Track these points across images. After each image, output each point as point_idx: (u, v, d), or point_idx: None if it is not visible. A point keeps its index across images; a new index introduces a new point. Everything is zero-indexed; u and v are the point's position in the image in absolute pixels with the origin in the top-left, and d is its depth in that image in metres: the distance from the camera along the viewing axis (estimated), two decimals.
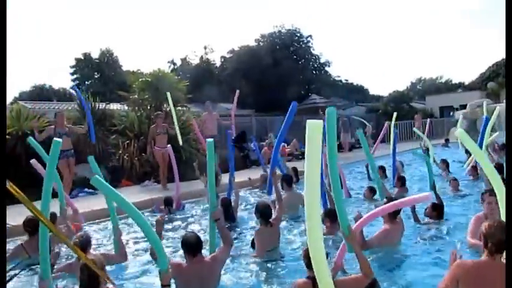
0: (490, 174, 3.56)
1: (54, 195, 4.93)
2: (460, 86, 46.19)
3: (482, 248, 2.89)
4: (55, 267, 4.08)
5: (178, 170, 8.97)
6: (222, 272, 4.02)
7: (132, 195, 8.52)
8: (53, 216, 5.34)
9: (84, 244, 4.21)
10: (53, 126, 8.39)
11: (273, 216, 4.87)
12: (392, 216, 4.63)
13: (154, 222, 4.00)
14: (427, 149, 10.67)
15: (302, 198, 6.34)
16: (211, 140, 4.33)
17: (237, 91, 10.80)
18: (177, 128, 9.33)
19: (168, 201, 7.67)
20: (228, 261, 4.26)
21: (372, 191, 7.48)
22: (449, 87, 47.71)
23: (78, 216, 6.59)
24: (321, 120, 2.39)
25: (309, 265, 2.89)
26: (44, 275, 3.50)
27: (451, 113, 26.48)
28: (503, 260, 2.76)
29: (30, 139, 5.92)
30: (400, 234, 4.81)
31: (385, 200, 4.82)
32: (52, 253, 3.89)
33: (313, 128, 2.31)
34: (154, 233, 3.11)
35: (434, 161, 9.92)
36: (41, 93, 37.20)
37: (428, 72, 77.55)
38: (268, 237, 4.77)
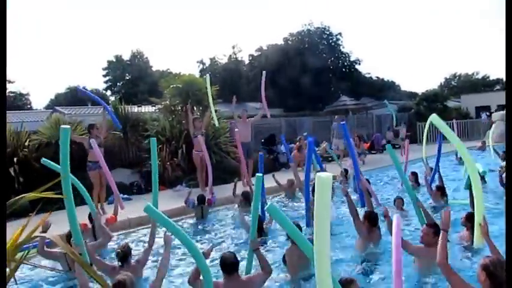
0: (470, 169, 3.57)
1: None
2: (498, 82, 44.50)
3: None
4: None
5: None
6: None
7: (165, 200, 8.72)
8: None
9: (126, 255, 4.46)
10: (86, 137, 8.64)
11: None
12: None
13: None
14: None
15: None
16: (260, 175, 4.40)
17: (264, 72, 10.40)
18: (213, 110, 9.39)
19: (200, 200, 7.90)
20: None
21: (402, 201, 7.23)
22: (486, 84, 46.07)
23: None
24: (331, 174, 2.31)
25: None
26: (77, 241, 3.91)
27: (482, 114, 25.49)
28: None
29: (44, 160, 5.68)
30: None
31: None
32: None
33: (323, 182, 2.13)
34: (205, 262, 3.21)
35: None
36: (75, 95, 38.50)
37: (463, 67, 75.19)
38: (298, 258, 4.54)
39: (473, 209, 5.63)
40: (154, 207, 3.01)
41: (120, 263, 4.45)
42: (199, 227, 7.50)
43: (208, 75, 9.78)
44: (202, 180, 10.15)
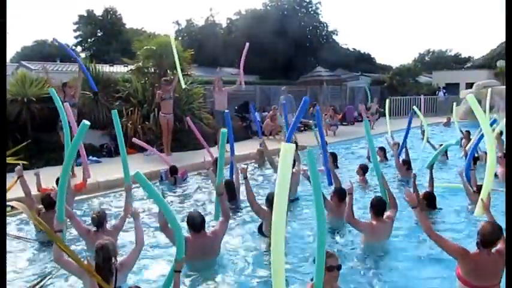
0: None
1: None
2: (469, 60, 45.48)
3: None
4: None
5: (180, 139, 9.15)
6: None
7: (138, 165, 8.67)
8: None
9: (101, 220, 4.49)
10: (61, 97, 8.37)
11: None
12: (377, 213, 4.65)
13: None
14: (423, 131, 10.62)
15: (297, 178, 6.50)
16: (224, 130, 4.77)
17: (247, 44, 10.09)
18: (179, 70, 9.08)
19: (173, 171, 7.89)
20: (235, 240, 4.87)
21: (362, 169, 7.48)
22: (457, 61, 47.02)
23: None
24: (294, 145, 2.39)
25: None
26: (60, 217, 3.85)
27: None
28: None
29: (52, 90, 5.64)
30: (385, 234, 4.74)
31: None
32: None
33: (286, 150, 2.27)
34: (180, 227, 3.26)
35: (428, 141, 9.76)
36: (43, 50, 36.87)
37: (437, 44, 76.27)
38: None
39: (432, 188, 5.95)
40: (143, 176, 3.00)
41: (95, 228, 4.48)
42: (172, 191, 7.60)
43: (172, 35, 9.58)
44: (167, 144, 10.09)
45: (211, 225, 4.86)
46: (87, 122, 3.67)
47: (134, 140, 8.71)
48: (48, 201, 4.98)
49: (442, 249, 3.53)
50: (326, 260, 2.77)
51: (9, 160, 2.10)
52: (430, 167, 6.19)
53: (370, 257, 4.53)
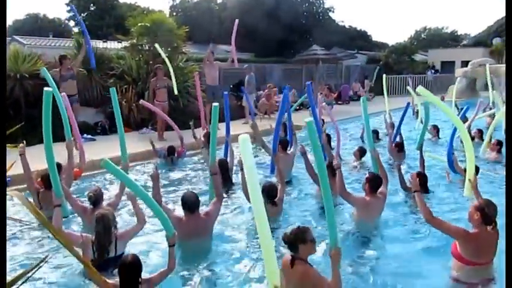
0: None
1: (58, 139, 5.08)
2: (466, 37, 45.24)
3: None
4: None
5: (176, 118, 9.05)
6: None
7: (132, 143, 8.69)
8: (59, 166, 5.44)
9: (98, 199, 4.58)
10: (58, 69, 8.29)
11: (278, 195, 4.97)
12: (373, 188, 4.63)
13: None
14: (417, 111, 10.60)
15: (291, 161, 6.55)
16: (216, 104, 4.65)
17: (236, 20, 9.92)
18: (173, 77, 9.18)
19: (171, 151, 7.95)
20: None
21: (360, 151, 7.47)
22: (453, 38, 46.74)
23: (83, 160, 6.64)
24: (248, 135, 2.54)
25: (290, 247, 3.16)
26: (57, 193, 4.01)
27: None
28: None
29: (44, 70, 5.63)
30: (377, 210, 4.76)
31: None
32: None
33: (244, 141, 2.46)
34: (160, 210, 3.32)
35: (422, 121, 9.75)
36: (35, 23, 36.19)
37: (434, 21, 75.38)
38: (271, 216, 4.60)
39: (423, 169, 5.97)
40: (112, 163, 3.06)
41: (92, 206, 4.54)
42: (168, 169, 7.66)
43: (157, 44, 9.53)
44: (162, 130, 10.00)
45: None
46: (49, 89, 3.68)
47: (142, 101, 8.82)
48: (47, 179, 5.00)
49: (443, 233, 3.57)
50: (305, 235, 3.05)
51: (9, 147, 2.12)
52: (420, 147, 6.19)
53: (363, 235, 4.60)
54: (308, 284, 2.98)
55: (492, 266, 3.50)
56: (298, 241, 3.06)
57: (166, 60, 9.41)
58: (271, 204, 4.79)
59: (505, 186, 3.72)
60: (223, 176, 5.87)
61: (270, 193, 4.86)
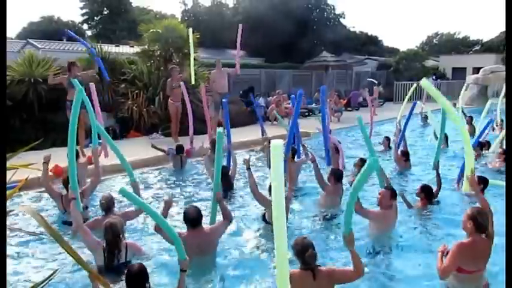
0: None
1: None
2: (478, 43, 44.78)
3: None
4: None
5: (183, 123, 9.24)
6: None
7: (144, 148, 8.82)
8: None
9: (110, 206, 4.65)
10: (66, 76, 8.43)
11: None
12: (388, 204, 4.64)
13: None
14: (426, 116, 10.46)
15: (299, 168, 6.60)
16: (220, 129, 4.51)
17: (240, 25, 9.66)
18: (192, 66, 9.36)
19: (179, 149, 8.08)
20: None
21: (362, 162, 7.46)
22: (466, 44, 46.33)
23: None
24: (282, 140, 2.53)
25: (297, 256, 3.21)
26: (73, 186, 4.31)
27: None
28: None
29: (75, 81, 5.45)
30: (394, 222, 4.81)
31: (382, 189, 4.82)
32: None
33: (276, 147, 2.42)
34: (173, 230, 3.33)
35: (435, 133, 9.46)
36: (49, 26, 36.71)
37: (446, 26, 74.40)
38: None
39: (439, 189, 5.86)
40: (128, 191, 3.16)
41: (104, 213, 4.62)
42: (177, 177, 7.71)
43: (190, 29, 9.59)
44: (176, 131, 10.19)
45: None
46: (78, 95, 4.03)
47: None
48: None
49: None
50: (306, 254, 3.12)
51: (22, 150, 2.18)
52: (436, 165, 5.95)
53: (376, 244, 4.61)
54: (336, 280, 3.17)
55: (485, 273, 3.50)
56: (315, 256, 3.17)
57: (192, 47, 9.35)
58: None
59: (505, 186, 3.71)
60: (226, 184, 5.89)
61: None
